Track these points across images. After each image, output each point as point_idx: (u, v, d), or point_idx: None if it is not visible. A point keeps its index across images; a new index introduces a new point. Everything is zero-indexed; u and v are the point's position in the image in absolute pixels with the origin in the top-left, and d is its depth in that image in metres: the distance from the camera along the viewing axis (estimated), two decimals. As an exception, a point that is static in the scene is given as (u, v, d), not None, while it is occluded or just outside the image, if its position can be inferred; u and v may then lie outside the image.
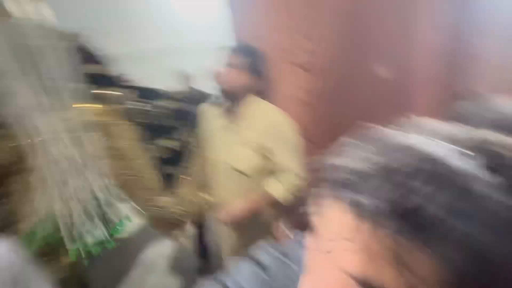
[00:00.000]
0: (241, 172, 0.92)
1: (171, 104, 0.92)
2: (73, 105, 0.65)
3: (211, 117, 1.01)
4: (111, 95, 0.77)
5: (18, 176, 0.62)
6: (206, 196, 0.97)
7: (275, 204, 0.93)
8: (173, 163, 0.87)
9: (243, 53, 0.96)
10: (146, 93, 0.88)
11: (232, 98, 0.95)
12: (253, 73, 0.94)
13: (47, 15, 0.63)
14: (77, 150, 0.64)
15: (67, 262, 0.63)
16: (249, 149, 0.92)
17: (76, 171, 0.63)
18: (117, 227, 0.67)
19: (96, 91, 0.73)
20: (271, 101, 0.99)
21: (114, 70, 0.83)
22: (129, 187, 0.73)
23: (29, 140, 0.61)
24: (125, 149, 0.77)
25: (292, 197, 0.92)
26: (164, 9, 2.49)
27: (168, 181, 0.86)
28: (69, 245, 0.62)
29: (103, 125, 0.72)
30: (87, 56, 0.73)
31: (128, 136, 0.78)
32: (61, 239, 0.61)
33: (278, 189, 0.91)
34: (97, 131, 0.69)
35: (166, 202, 0.84)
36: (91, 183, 0.65)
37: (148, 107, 0.88)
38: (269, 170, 0.93)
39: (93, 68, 0.73)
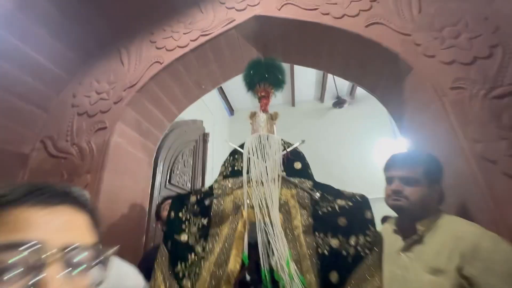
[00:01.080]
0: None
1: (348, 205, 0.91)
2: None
3: (388, 237, 0.90)
4: (302, 182, 0.96)
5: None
6: None
7: None
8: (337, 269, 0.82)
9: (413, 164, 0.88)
10: (330, 190, 0.98)
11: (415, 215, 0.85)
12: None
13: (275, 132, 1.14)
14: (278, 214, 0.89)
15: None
16: (438, 277, 0.73)
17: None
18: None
19: (289, 179, 0.96)
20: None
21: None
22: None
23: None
24: (297, 231, 0.87)
25: None
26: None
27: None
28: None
29: (287, 205, 0.92)
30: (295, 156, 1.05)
31: (301, 221, 0.89)
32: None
33: None
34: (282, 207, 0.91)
35: None
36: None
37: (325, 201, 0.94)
38: None
39: (295, 164, 1.02)
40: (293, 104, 4.74)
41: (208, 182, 2.69)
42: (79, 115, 1.39)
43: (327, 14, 1.36)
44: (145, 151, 1.57)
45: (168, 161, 1.96)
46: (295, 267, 0.79)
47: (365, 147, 3.93)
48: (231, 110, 4.81)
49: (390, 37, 1.24)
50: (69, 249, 0.29)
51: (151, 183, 1.63)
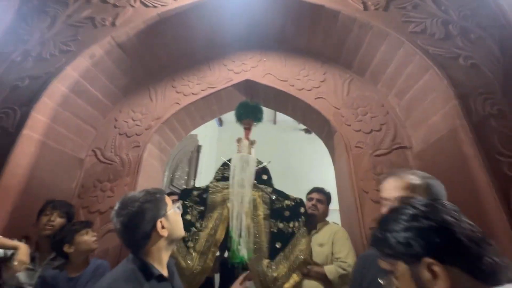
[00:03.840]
0: (314, 262, 1.56)
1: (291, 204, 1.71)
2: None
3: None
4: (265, 188, 1.71)
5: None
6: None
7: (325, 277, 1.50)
8: (281, 241, 1.57)
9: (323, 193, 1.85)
10: (282, 194, 1.77)
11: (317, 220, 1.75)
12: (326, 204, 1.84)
13: (253, 154, 1.82)
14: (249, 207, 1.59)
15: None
16: (322, 247, 1.59)
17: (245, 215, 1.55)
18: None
19: (258, 185, 1.71)
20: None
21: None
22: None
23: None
24: (259, 217, 1.60)
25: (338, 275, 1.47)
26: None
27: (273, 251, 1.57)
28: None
29: (255, 202, 1.64)
30: (263, 171, 1.81)
31: (262, 211, 1.64)
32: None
33: (331, 269, 1.49)
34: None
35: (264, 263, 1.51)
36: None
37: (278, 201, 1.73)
38: (330, 260, 1.55)
39: (263, 176, 1.78)
40: (274, 122, 5.51)
41: (198, 183, 3.37)
42: (120, 135, 2.04)
43: (293, 86, 2.12)
44: (160, 161, 2.24)
45: (171, 168, 2.62)
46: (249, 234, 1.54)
47: (326, 167, 4.78)
48: (220, 122, 5.49)
49: (327, 108, 2.00)
50: None
51: (162, 184, 2.29)
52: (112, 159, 1.95)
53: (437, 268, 0.45)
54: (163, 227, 0.81)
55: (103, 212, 1.77)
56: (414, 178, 0.86)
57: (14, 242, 1.19)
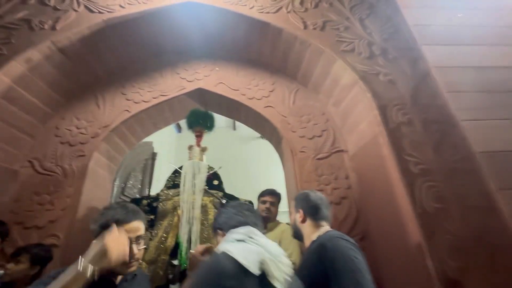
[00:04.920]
0: None
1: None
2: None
3: None
4: (216, 193, 1.79)
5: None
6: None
7: None
8: None
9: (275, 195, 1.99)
10: (232, 198, 1.85)
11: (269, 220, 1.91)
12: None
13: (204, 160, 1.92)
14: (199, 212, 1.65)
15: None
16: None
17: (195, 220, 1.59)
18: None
19: (209, 190, 1.79)
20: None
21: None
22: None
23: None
24: (210, 221, 1.67)
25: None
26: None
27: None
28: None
29: (206, 207, 1.71)
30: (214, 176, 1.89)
31: (213, 216, 1.67)
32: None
33: None
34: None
35: None
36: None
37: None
38: None
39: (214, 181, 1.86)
40: (234, 128, 5.61)
41: (154, 192, 3.28)
42: (62, 144, 1.93)
43: (244, 95, 2.24)
44: (109, 170, 2.16)
45: (122, 177, 2.53)
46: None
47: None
48: (179, 128, 5.40)
49: (275, 116, 2.17)
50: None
51: (111, 194, 2.20)
52: (52, 169, 1.83)
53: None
54: None
55: (41, 227, 1.65)
56: None
57: None
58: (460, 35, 1.99)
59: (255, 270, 0.69)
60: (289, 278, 0.77)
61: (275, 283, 0.71)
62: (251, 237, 0.81)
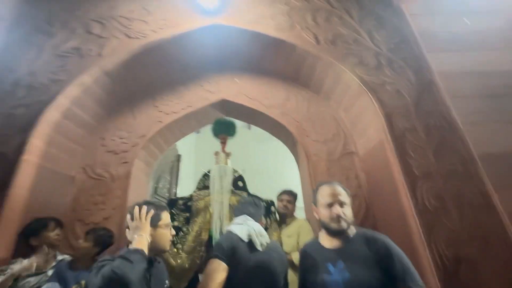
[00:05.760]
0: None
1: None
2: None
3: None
4: (241, 193, 2.03)
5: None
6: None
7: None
8: None
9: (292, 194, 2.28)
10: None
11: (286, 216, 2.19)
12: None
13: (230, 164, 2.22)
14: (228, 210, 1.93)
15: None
16: (290, 238, 2.00)
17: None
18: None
19: (235, 191, 2.05)
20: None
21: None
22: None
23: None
24: None
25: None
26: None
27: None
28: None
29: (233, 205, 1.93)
30: (239, 178, 2.16)
31: None
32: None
33: (296, 256, 1.79)
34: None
35: None
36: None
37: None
38: (296, 248, 1.93)
39: (239, 183, 2.12)
40: (249, 127, 5.87)
41: (179, 191, 3.62)
42: (108, 152, 2.26)
43: (262, 103, 2.48)
44: (146, 174, 2.48)
45: (154, 179, 2.86)
46: None
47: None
48: (197, 130, 5.73)
49: (291, 123, 2.39)
50: None
51: (149, 195, 2.53)
52: (102, 174, 2.16)
53: None
54: None
55: (97, 223, 1.98)
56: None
57: None
58: (465, 40, 2.13)
59: (245, 238, 1.31)
60: (265, 244, 1.35)
61: (257, 246, 1.31)
62: (245, 222, 1.41)
